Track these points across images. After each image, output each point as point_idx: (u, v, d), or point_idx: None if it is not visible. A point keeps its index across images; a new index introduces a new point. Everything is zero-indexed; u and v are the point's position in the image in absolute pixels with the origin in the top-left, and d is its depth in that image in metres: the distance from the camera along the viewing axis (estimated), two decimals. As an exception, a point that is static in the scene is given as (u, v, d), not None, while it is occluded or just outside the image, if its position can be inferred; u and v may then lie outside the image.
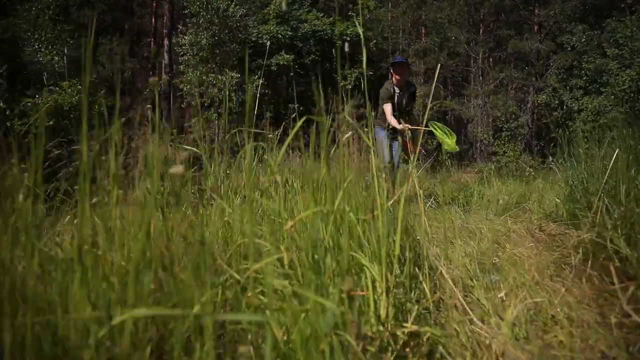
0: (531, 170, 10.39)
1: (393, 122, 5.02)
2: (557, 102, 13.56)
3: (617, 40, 9.96)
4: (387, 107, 5.13)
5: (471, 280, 1.75)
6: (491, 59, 18.52)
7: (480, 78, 18.38)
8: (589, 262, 2.09)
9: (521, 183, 8.86)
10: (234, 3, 14.54)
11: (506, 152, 12.66)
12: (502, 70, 16.04)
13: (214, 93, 13.91)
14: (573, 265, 2.18)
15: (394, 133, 5.17)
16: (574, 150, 6.29)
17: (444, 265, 1.82)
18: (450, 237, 2.57)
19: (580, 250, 2.17)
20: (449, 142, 4.68)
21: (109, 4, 19.71)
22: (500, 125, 13.99)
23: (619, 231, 2.33)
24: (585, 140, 7.91)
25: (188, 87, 13.89)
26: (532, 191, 7.18)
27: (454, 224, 3.10)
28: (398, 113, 5.14)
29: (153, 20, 24.57)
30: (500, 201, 5.96)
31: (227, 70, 13.83)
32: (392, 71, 5.19)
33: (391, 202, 1.62)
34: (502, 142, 13.84)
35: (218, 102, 14.06)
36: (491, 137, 14.17)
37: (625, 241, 2.23)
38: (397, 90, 5.21)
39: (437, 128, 4.80)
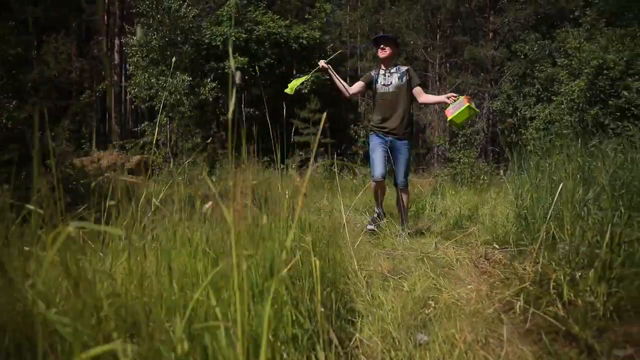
0: (485, 179, 10.39)
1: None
2: (511, 109, 13.71)
3: (566, 51, 10.07)
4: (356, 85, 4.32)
5: (391, 351, 1.48)
6: (448, 65, 18.65)
7: (438, 83, 18.50)
8: (530, 309, 1.87)
9: (474, 192, 8.82)
10: (186, 3, 14.02)
11: (461, 159, 12.66)
12: (458, 76, 16.14)
13: (165, 96, 13.34)
14: (515, 312, 1.96)
15: (385, 136, 4.15)
16: (524, 164, 6.19)
17: (359, 332, 1.54)
18: (379, 282, 2.30)
19: (522, 297, 1.94)
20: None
21: (55, 0, 18.79)
22: (456, 131, 14.04)
23: (564, 270, 2.13)
24: (536, 152, 7.85)
25: (136, 90, 13.27)
26: (484, 202, 7.11)
27: (385, 264, 2.85)
28: (383, 102, 4.15)
29: (105, 18, 23.64)
30: (451, 216, 5.82)
31: (178, 73, 13.29)
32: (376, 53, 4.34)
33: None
34: (458, 148, 13.90)
35: (169, 106, 13.50)
36: (447, 144, 14.20)
37: (569, 283, 2.03)
38: (382, 73, 4.22)
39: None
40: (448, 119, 3.92)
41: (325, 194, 8.64)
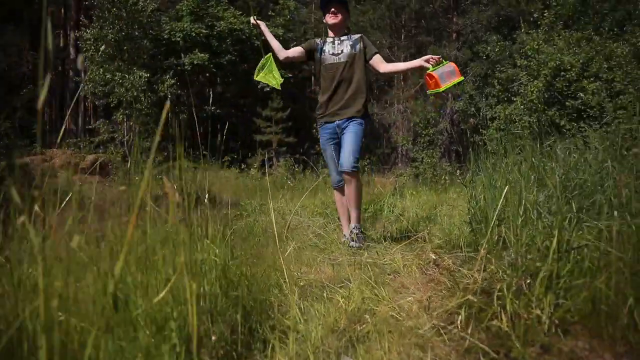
0: (446, 179, 10.39)
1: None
2: (473, 109, 13.81)
3: (525, 52, 10.17)
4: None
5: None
6: (412, 65, 18.71)
7: (402, 82, 18.56)
8: (471, 325, 1.71)
9: (435, 193, 8.78)
10: (145, -5, 13.54)
11: (424, 159, 12.68)
12: (422, 76, 16.20)
13: (121, 93, 12.84)
14: (456, 326, 1.79)
15: (334, 122, 3.53)
16: (481, 164, 6.09)
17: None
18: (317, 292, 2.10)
19: (463, 310, 1.78)
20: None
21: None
22: (420, 132, 14.06)
23: (510, 279, 1.98)
24: (494, 152, 7.78)
25: (91, 86, 12.72)
26: (443, 203, 7.04)
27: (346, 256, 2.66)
28: (332, 75, 3.48)
29: (62, 10, 22.72)
30: (408, 217, 5.69)
31: (135, 69, 12.81)
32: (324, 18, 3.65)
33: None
34: (421, 148, 13.91)
35: (125, 102, 13.00)
36: (410, 144, 14.21)
37: (514, 294, 1.88)
38: (329, 41, 3.56)
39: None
40: (437, 90, 3.17)
41: (284, 194, 8.45)
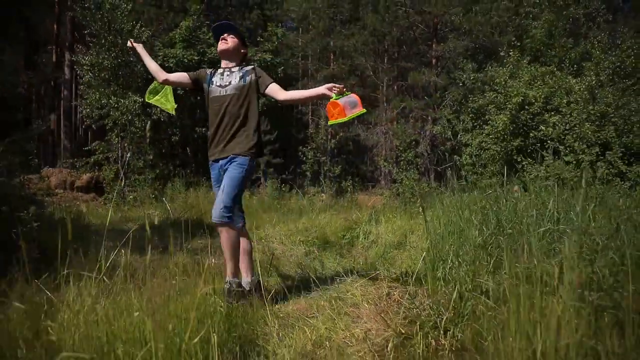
0: (422, 202, 11.13)
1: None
2: (449, 133, 14.64)
3: (493, 86, 11.06)
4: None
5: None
6: (395, 87, 19.64)
7: (385, 104, 19.44)
8: (396, 350, 2.46)
9: (410, 217, 9.51)
10: (139, 24, 14.25)
11: (403, 180, 13.44)
12: (403, 100, 17.09)
13: (116, 116, 13.50)
14: (387, 352, 2.54)
15: (218, 163, 3.23)
16: (443, 198, 6.95)
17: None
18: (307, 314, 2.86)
19: (392, 340, 2.53)
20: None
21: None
22: (399, 155, 14.88)
23: (429, 316, 2.74)
24: (466, 179, 8.70)
25: (88, 109, 13.36)
26: (414, 230, 7.75)
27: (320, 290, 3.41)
28: (217, 109, 3.16)
29: (55, 27, 23.26)
30: (381, 245, 6.43)
31: (130, 93, 13.48)
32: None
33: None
34: (401, 170, 14.69)
35: (120, 125, 13.65)
36: (391, 166, 15.00)
37: (431, 328, 2.63)
38: (219, 71, 3.28)
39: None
40: (340, 119, 2.98)
41: (271, 218, 9.14)
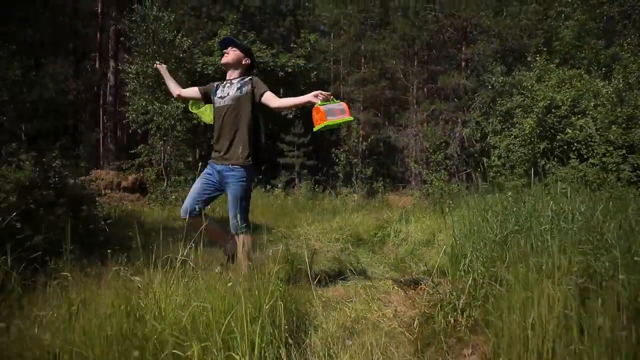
0: (451, 202, 11.52)
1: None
2: (479, 135, 14.91)
3: (520, 90, 11.36)
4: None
5: (331, 348, 2.58)
6: (425, 90, 19.97)
7: (416, 106, 19.80)
8: (421, 326, 2.99)
9: (439, 216, 9.93)
10: (180, 34, 15.10)
11: (433, 182, 13.80)
12: (433, 102, 17.44)
13: (160, 121, 14.37)
14: (414, 327, 3.08)
15: (216, 164, 3.45)
16: (468, 199, 7.40)
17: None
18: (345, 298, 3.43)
19: (417, 318, 3.06)
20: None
21: (53, 24, 19.70)
22: (428, 156, 15.26)
23: (449, 300, 3.25)
24: (494, 181, 9.13)
25: (134, 115, 14.27)
26: (442, 228, 8.20)
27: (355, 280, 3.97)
28: (217, 119, 3.46)
29: (98, 35, 24.53)
30: (410, 242, 6.93)
31: (172, 99, 14.33)
32: None
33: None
34: (431, 171, 15.05)
35: (163, 129, 14.52)
36: (421, 167, 15.38)
37: (451, 309, 3.14)
38: (222, 84, 3.59)
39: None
40: (322, 125, 3.18)
41: (307, 217, 9.72)
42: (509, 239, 3.97)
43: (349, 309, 3.36)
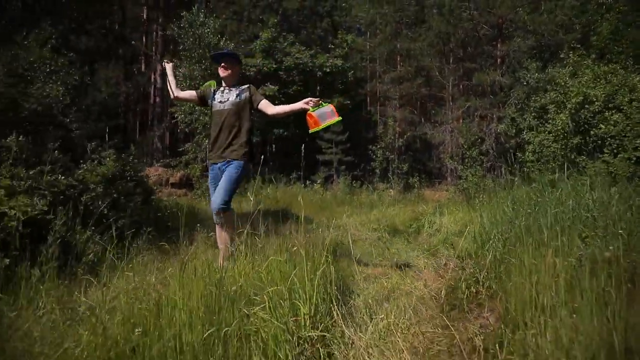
0: (484, 197, 11.88)
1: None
2: (514, 131, 15.12)
3: (555, 86, 11.57)
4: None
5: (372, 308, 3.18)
6: (461, 87, 20.21)
7: (451, 103, 20.07)
8: (447, 295, 3.55)
9: (472, 209, 10.33)
10: (224, 38, 15.96)
11: (468, 177, 14.12)
12: (468, 99, 17.70)
13: (206, 121, 15.26)
14: (440, 296, 3.64)
15: (217, 163, 3.88)
16: (499, 193, 7.85)
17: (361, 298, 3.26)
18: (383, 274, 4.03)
19: (444, 288, 3.61)
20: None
21: (104, 32, 20.97)
22: (463, 152, 15.58)
23: (471, 274, 3.80)
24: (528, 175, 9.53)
25: (182, 116, 15.21)
26: (474, 221, 8.63)
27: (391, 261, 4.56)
28: (218, 120, 3.88)
29: (144, 38, 25.84)
30: (443, 232, 7.43)
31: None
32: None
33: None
34: (466, 167, 15.37)
35: (209, 128, 15.42)
36: (456, 163, 15.71)
37: (473, 282, 3.68)
38: (220, 90, 4.01)
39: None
40: (317, 128, 3.65)
41: (346, 210, 10.33)
42: (530, 224, 4.47)
43: (385, 281, 3.95)
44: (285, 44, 17.15)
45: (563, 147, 11.01)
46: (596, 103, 10.86)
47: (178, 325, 2.27)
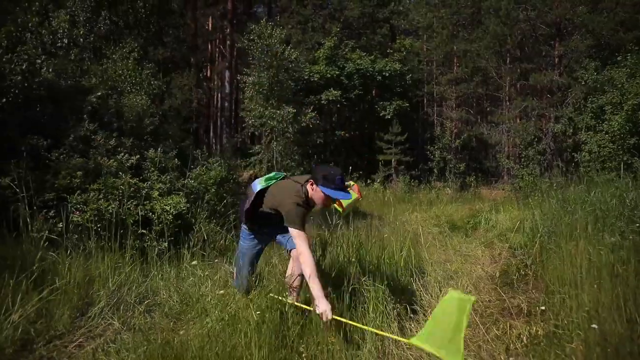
0: (539, 195, 12.41)
1: (315, 285, 2.71)
2: (571, 131, 15.42)
3: (611, 88, 11.93)
4: (308, 252, 2.81)
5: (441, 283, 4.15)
6: (518, 87, 20.48)
7: (508, 103, 20.40)
8: (501, 275, 4.46)
9: (527, 207, 10.94)
10: (289, 47, 17.19)
11: (524, 176, 14.62)
12: (525, 99, 18.03)
13: (274, 124, 16.57)
14: (496, 277, 4.55)
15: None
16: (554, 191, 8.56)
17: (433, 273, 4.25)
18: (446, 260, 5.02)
19: (498, 271, 4.52)
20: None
21: (179, 42, 22.79)
22: (520, 152, 16.02)
23: (520, 261, 4.68)
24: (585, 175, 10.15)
25: (253, 120, 16.57)
26: (529, 218, 9.31)
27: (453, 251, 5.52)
28: None
29: (209, 46, 27.67)
30: (499, 227, 8.22)
31: (284, 105, 16.46)
32: (324, 192, 2.93)
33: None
34: (522, 166, 15.82)
35: (276, 131, 16.71)
36: (513, 162, 16.18)
37: (523, 267, 4.57)
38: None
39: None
40: (343, 209, 3.85)
41: (407, 207, 11.23)
42: (571, 219, 5.29)
43: (449, 265, 4.91)
44: (347, 50, 18.17)
45: (619, 147, 11.40)
46: (653, 104, 11.16)
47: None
